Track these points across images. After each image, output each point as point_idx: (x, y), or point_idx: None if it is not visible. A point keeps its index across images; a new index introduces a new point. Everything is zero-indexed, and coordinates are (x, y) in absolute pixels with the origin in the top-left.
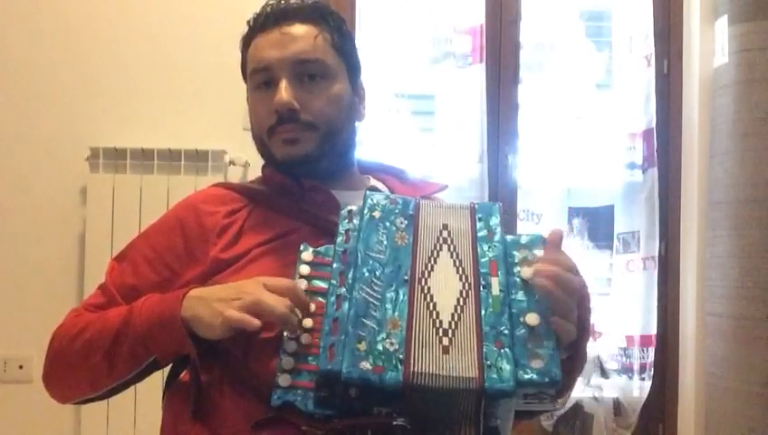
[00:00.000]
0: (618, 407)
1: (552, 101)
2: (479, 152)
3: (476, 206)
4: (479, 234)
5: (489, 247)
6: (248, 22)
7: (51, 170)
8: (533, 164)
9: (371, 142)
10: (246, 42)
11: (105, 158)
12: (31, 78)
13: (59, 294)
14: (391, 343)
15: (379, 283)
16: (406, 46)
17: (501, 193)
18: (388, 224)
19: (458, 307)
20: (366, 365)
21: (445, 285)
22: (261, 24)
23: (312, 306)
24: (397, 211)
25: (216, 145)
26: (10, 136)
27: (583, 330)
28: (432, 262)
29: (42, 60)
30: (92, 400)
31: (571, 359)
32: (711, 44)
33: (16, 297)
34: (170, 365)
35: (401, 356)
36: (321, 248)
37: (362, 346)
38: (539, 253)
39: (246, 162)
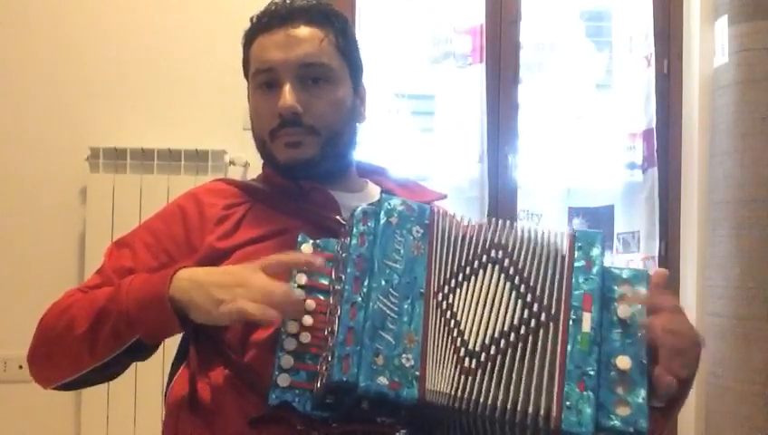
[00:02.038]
0: None
1: (552, 101)
2: (479, 152)
3: (577, 233)
4: (576, 264)
5: (585, 280)
6: (251, 19)
7: (51, 170)
8: (533, 164)
9: (371, 142)
10: (249, 39)
11: (105, 158)
12: (31, 78)
13: (59, 294)
14: (407, 359)
15: (395, 293)
16: (406, 46)
17: (501, 193)
18: (404, 232)
19: (512, 334)
20: (383, 380)
21: (482, 306)
22: (266, 24)
23: (312, 304)
24: (413, 219)
25: (216, 145)
26: (10, 136)
27: (685, 383)
28: (459, 279)
29: (42, 60)
30: (74, 385)
31: (665, 409)
32: (711, 44)
33: (16, 297)
34: (170, 365)
35: (417, 373)
36: (320, 242)
37: (379, 360)
38: (642, 290)
39: (246, 162)
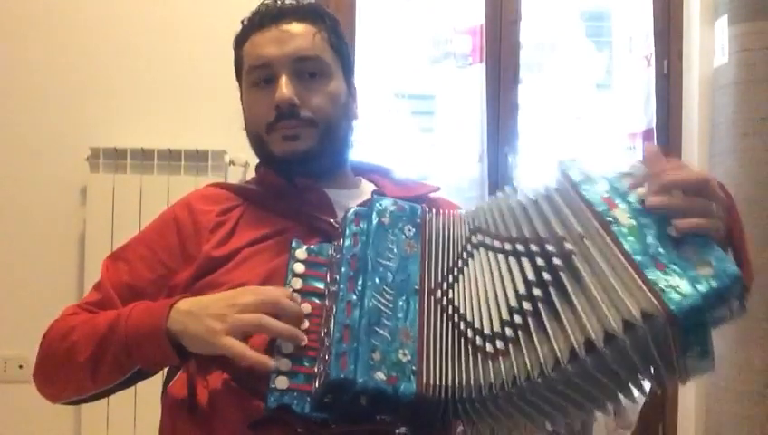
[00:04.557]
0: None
1: (552, 101)
2: (479, 152)
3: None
4: (576, 179)
5: (590, 186)
6: (242, 21)
7: (51, 170)
8: (533, 164)
9: (371, 142)
10: (241, 41)
11: (105, 158)
12: (31, 78)
13: (59, 294)
14: (404, 354)
15: (390, 291)
16: (406, 46)
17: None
18: (397, 231)
19: (534, 289)
20: (380, 376)
21: (483, 291)
22: (258, 23)
23: (308, 307)
24: (404, 218)
25: (216, 145)
26: (10, 136)
27: (732, 220)
28: (455, 273)
29: (42, 60)
30: (84, 401)
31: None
32: (711, 44)
33: (16, 297)
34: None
35: (414, 367)
36: (315, 247)
37: (376, 356)
38: (644, 172)
39: (246, 162)
